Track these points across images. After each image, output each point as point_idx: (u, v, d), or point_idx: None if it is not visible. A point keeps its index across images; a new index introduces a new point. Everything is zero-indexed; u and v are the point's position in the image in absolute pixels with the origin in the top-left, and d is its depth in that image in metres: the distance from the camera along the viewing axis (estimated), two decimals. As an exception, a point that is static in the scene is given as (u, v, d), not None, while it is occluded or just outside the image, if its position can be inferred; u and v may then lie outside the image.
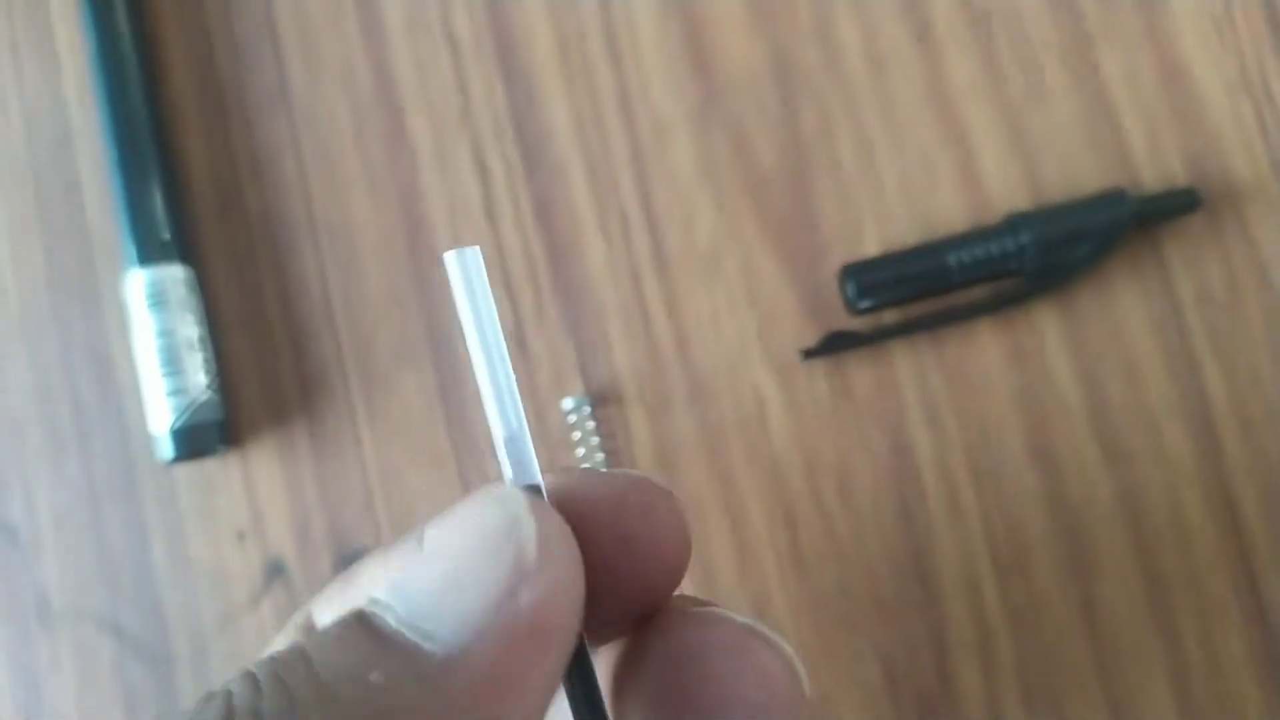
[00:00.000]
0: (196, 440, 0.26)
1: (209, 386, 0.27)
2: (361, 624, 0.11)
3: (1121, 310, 0.26)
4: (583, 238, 0.27)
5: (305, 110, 0.28)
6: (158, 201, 0.27)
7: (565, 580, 0.12)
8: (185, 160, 0.28)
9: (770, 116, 0.27)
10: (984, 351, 0.26)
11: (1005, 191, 0.27)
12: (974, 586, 0.26)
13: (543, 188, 0.28)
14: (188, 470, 0.28)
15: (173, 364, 0.26)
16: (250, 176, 0.28)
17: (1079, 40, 0.27)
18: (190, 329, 0.27)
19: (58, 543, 0.28)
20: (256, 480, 0.28)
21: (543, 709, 0.12)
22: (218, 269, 0.28)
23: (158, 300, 0.26)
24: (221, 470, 0.28)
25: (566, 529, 0.12)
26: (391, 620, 0.11)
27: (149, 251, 0.27)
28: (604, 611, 0.13)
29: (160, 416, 0.26)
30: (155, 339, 0.26)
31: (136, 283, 0.27)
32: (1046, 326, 0.26)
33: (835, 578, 0.26)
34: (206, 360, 0.27)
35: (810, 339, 0.26)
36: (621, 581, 0.14)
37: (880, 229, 0.27)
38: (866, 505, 0.26)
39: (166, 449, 0.26)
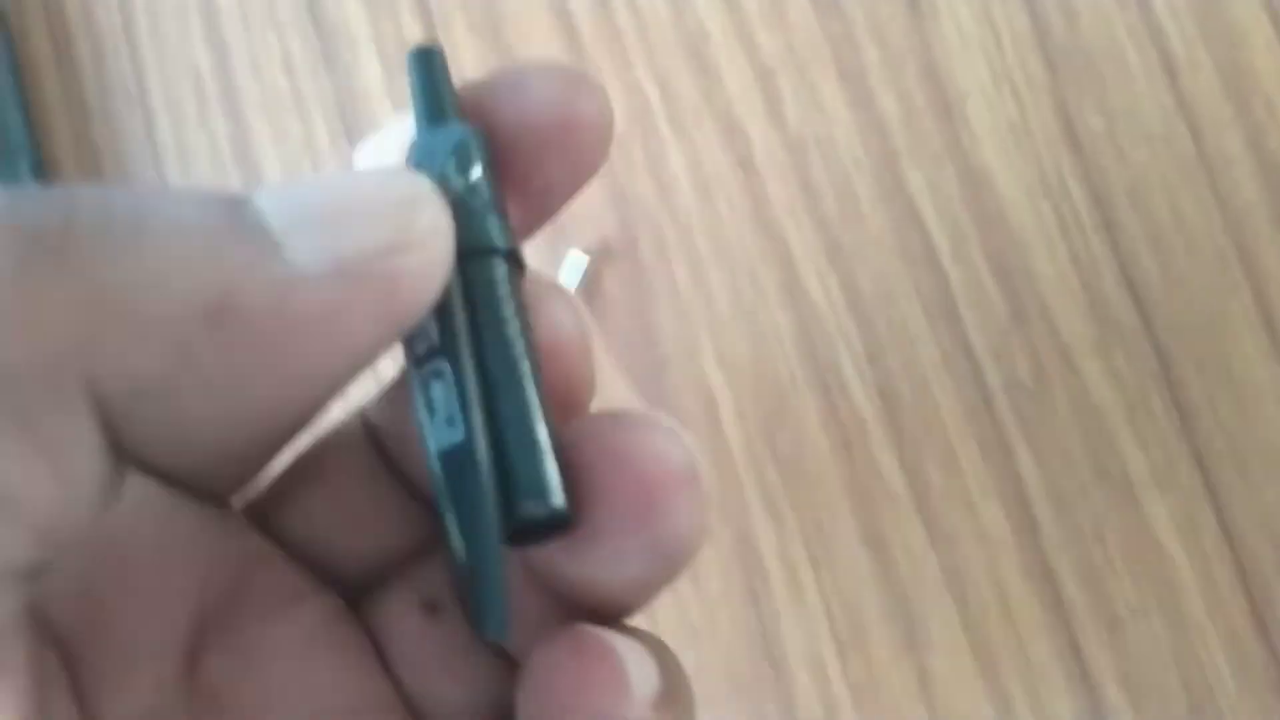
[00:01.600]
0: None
1: None
2: (232, 203, 0.11)
3: (938, 400, 0.29)
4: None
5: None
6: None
7: (432, 264, 0.12)
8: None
9: (612, 244, 0.30)
10: (816, 445, 0.29)
11: (827, 301, 0.30)
12: (817, 663, 0.29)
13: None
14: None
15: None
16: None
17: (887, 158, 0.30)
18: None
19: None
20: None
21: (360, 360, 0.12)
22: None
23: None
24: None
25: (450, 226, 0.12)
26: (265, 214, 0.11)
27: None
28: (527, 201, 0.14)
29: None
30: None
31: None
32: (869, 419, 0.29)
33: (691, 660, 0.29)
34: None
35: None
36: (537, 172, 0.13)
37: (715, 342, 0.30)
38: (717, 591, 0.29)
39: None
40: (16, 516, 0.10)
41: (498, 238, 0.13)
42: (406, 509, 0.14)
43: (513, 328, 0.13)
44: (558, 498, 0.12)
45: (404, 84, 0.31)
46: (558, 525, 0.12)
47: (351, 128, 0.32)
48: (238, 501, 0.14)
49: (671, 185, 0.31)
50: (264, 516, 0.14)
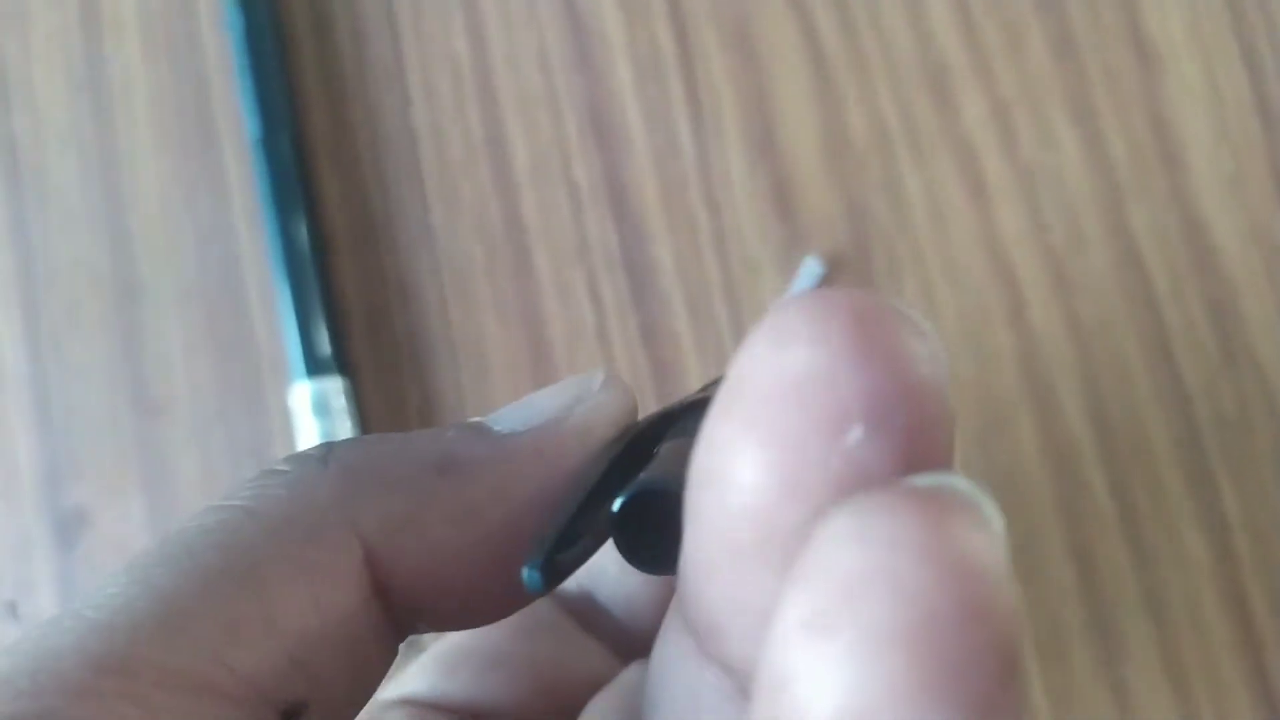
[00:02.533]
0: (352, 530, 0.31)
1: (362, 483, 0.32)
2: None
3: (1148, 429, 0.31)
4: (683, 359, 0.33)
5: (445, 244, 0.34)
6: (321, 322, 0.33)
7: (615, 407, 0.15)
8: (341, 286, 0.34)
9: (844, 258, 0.33)
10: (1029, 461, 0.31)
11: (1048, 329, 0.32)
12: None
13: (649, 314, 0.33)
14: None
15: (333, 464, 0.32)
16: (398, 301, 0.34)
17: (1112, 195, 0.32)
18: (347, 433, 0.32)
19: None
20: (398, 563, 0.33)
21: (558, 486, 0.14)
22: (368, 381, 0.34)
23: (321, 409, 0.32)
24: (368, 554, 0.33)
25: (625, 387, 0.15)
26: (486, 421, 0.15)
27: (314, 366, 0.32)
28: None
29: (323, 509, 0.32)
30: (318, 440, 0.32)
31: (302, 393, 0.32)
32: (1082, 441, 0.31)
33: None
34: (360, 460, 0.32)
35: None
36: None
37: (940, 357, 0.32)
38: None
39: (327, 537, 0.32)
40: (277, 638, 0.12)
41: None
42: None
43: None
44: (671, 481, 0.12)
45: (652, 90, 0.33)
46: (667, 509, 0.12)
47: (601, 127, 0.34)
48: None
49: (906, 205, 0.33)
50: None
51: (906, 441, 0.09)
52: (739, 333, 0.33)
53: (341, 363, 0.33)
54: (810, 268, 0.32)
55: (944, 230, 0.33)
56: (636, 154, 0.34)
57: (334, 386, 0.32)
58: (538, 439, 0.14)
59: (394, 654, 0.14)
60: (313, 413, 0.32)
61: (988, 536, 0.08)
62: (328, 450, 0.14)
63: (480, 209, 0.34)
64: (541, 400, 0.15)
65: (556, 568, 0.13)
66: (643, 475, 0.13)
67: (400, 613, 0.14)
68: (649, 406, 0.32)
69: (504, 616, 0.15)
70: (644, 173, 0.34)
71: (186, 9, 0.36)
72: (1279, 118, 0.32)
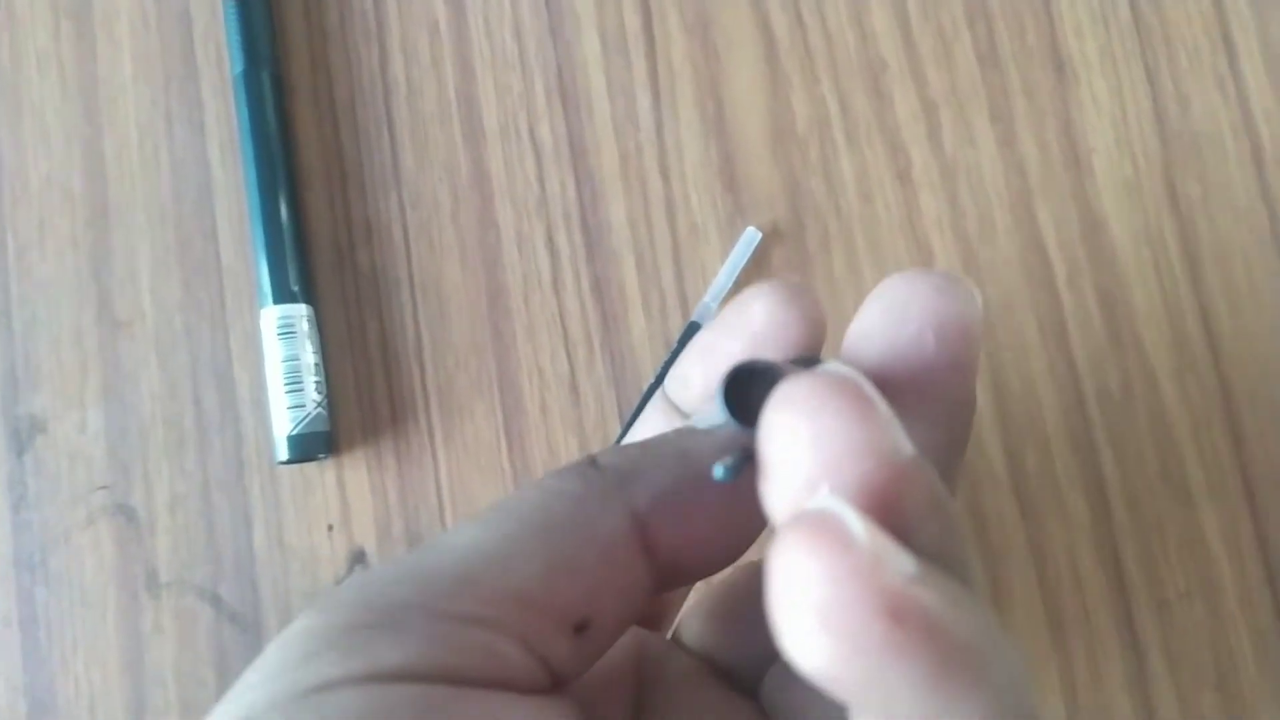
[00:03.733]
0: (308, 446, 0.34)
1: (320, 404, 0.34)
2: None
3: (1041, 398, 0.35)
4: (629, 312, 0.36)
5: (412, 190, 0.36)
6: (289, 253, 0.35)
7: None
8: (311, 220, 0.36)
9: (781, 230, 0.36)
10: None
11: (959, 303, 0.36)
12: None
13: (600, 268, 0.36)
14: (290, 471, 0.35)
15: (294, 384, 0.34)
16: (363, 239, 0.36)
17: (1022, 191, 0.36)
18: (309, 356, 0.34)
19: (170, 524, 0.35)
20: (348, 483, 0.35)
21: None
22: (332, 311, 0.36)
23: (287, 331, 0.34)
24: (319, 473, 0.35)
25: None
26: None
27: (281, 293, 0.34)
28: None
29: (281, 424, 0.34)
30: (281, 363, 0.34)
31: (270, 317, 0.34)
32: (981, 407, 0.35)
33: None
34: (319, 383, 0.34)
35: (804, 405, 0.35)
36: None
37: (863, 324, 0.36)
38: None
39: (283, 451, 0.34)
40: (578, 577, 0.17)
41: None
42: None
43: None
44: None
45: (617, 63, 0.36)
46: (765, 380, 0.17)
47: (567, 93, 0.37)
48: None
49: (839, 186, 0.36)
50: None
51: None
52: (681, 291, 0.36)
53: (307, 293, 0.35)
54: (750, 236, 0.36)
55: (871, 211, 0.36)
56: (598, 121, 0.37)
57: (299, 312, 0.35)
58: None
59: (652, 592, 0.18)
60: (278, 335, 0.34)
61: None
62: (592, 459, 0.18)
63: (449, 159, 0.37)
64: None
65: (737, 464, 0.17)
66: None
67: (661, 563, 0.18)
68: (596, 352, 0.35)
69: (736, 560, 0.19)
70: (604, 139, 0.37)
71: (175, -49, 0.38)
72: (1174, 133, 0.37)
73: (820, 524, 0.13)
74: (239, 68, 0.36)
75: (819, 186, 0.37)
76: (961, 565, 0.15)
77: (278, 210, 0.35)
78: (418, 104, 0.37)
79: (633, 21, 0.37)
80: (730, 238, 0.36)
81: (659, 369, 0.35)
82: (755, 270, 0.36)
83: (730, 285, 0.36)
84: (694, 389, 0.22)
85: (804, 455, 0.14)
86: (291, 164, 0.36)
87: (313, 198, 0.37)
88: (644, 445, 0.18)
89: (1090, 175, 0.37)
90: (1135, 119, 0.37)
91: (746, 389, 0.17)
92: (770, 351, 0.20)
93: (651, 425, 0.23)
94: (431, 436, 0.36)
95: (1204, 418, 0.35)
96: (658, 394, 0.23)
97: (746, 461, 0.17)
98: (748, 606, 0.21)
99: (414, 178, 0.37)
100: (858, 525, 0.13)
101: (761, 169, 0.37)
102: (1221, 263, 0.36)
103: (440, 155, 0.37)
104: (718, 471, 0.16)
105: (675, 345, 0.35)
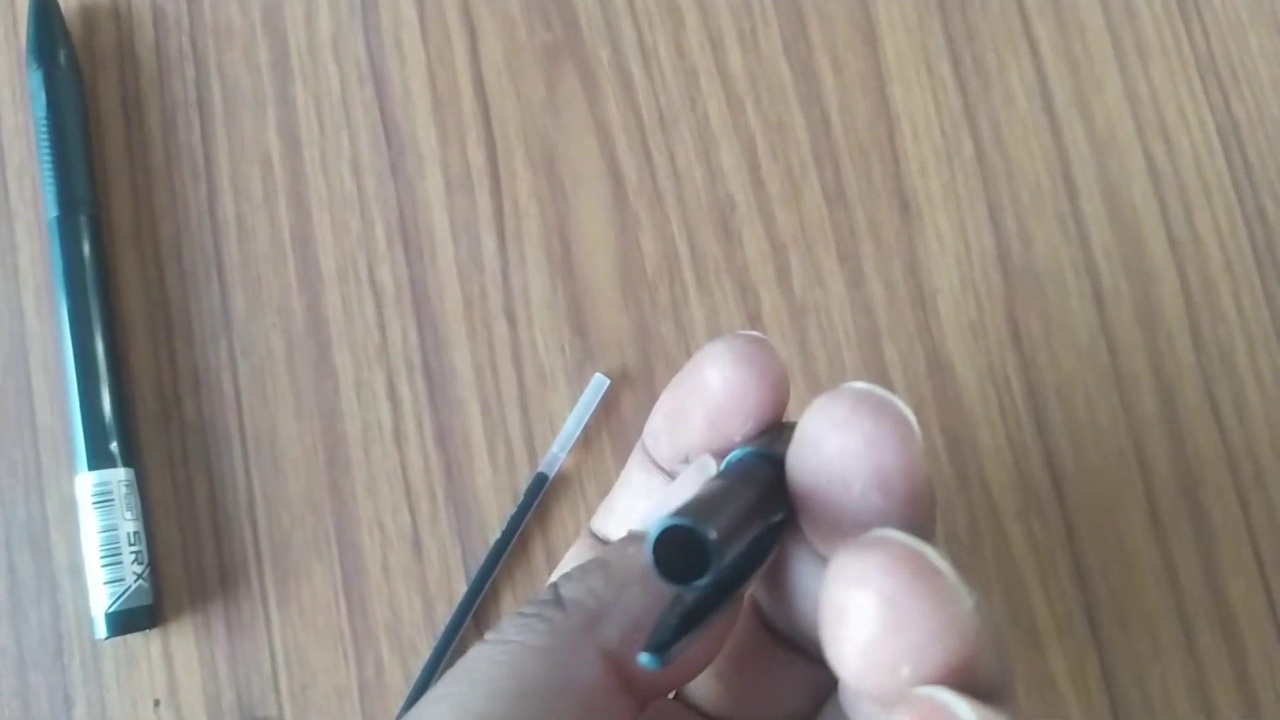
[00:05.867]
0: (128, 622, 0.33)
1: (140, 576, 0.33)
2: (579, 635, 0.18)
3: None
4: (475, 462, 0.36)
5: (244, 336, 0.36)
6: (107, 411, 0.34)
7: None
8: (133, 370, 0.35)
9: (630, 374, 0.36)
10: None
11: (810, 448, 0.37)
12: None
13: (444, 417, 0.36)
14: (113, 644, 0.34)
15: (111, 556, 0.33)
16: (190, 390, 0.35)
17: (870, 331, 0.38)
18: (129, 524, 0.33)
19: (-20, 704, 0.34)
20: (175, 654, 0.34)
21: None
22: (156, 469, 0.35)
23: (103, 500, 0.33)
24: (144, 644, 0.34)
25: None
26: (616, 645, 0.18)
27: (97, 457, 0.33)
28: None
29: (99, 600, 0.33)
30: (98, 534, 0.33)
31: (84, 484, 0.33)
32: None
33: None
34: (139, 552, 0.33)
35: (654, 559, 0.35)
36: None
37: (713, 472, 0.36)
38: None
39: (101, 629, 0.33)
40: None
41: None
42: (800, 674, 0.21)
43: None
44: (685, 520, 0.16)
45: (461, 202, 0.36)
46: (701, 549, 0.16)
47: (408, 233, 0.37)
48: None
49: (689, 327, 0.37)
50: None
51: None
52: (529, 439, 0.36)
53: (127, 454, 0.34)
54: (598, 383, 0.36)
55: (723, 354, 0.37)
56: (441, 263, 0.37)
57: (117, 478, 0.34)
58: None
59: (637, 713, 0.19)
60: (93, 504, 0.33)
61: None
62: (555, 595, 0.18)
63: (283, 303, 0.36)
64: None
65: (668, 652, 0.16)
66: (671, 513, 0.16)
67: (641, 690, 0.18)
68: (439, 505, 0.35)
69: (703, 669, 0.20)
70: (447, 281, 0.37)
71: (-14, 77, 0.37)
72: (1018, 272, 0.39)
73: (932, 713, 0.14)
74: (53, 212, 0.35)
75: (669, 330, 0.37)
76: (1012, 686, 0.17)
77: (94, 365, 0.34)
78: (249, 245, 0.36)
79: (477, 157, 0.38)
80: (579, 383, 0.36)
81: (505, 523, 0.35)
82: (604, 417, 0.36)
83: (579, 433, 0.36)
84: (664, 451, 0.22)
85: (888, 642, 0.15)
86: (110, 312, 0.35)
87: (135, 346, 0.36)
88: (606, 569, 0.18)
89: (935, 315, 0.38)
90: (979, 257, 0.39)
91: (677, 543, 0.16)
92: (732, 418, 0.20)
93: (634, 485, 0.23)
94: (265, 601, 0.35)
95: (1049, 558, 0.37)
96: (637, 448, 0.23)
97: (683, 632, 0.17)
98: (754, 664, 0.21)
99: (245, 323, 0.36)
100: (968, 714, 0.14)
101: (610, 312, 0.37)
102: (1064, 401, 0.38)
103: (274, 299, 0.36)
104: (643, 659, 0.16)
105: (522, 498, 0.35)
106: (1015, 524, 0.37)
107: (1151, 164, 0.40)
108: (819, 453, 0.18)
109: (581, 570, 0.19)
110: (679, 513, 0.16)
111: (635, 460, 0.23)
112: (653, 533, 0.16)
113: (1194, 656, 0.37)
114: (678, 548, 0.16)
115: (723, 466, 0.20)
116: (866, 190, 0.39)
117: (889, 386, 0.37)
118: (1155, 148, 0.40)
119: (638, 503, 0.23)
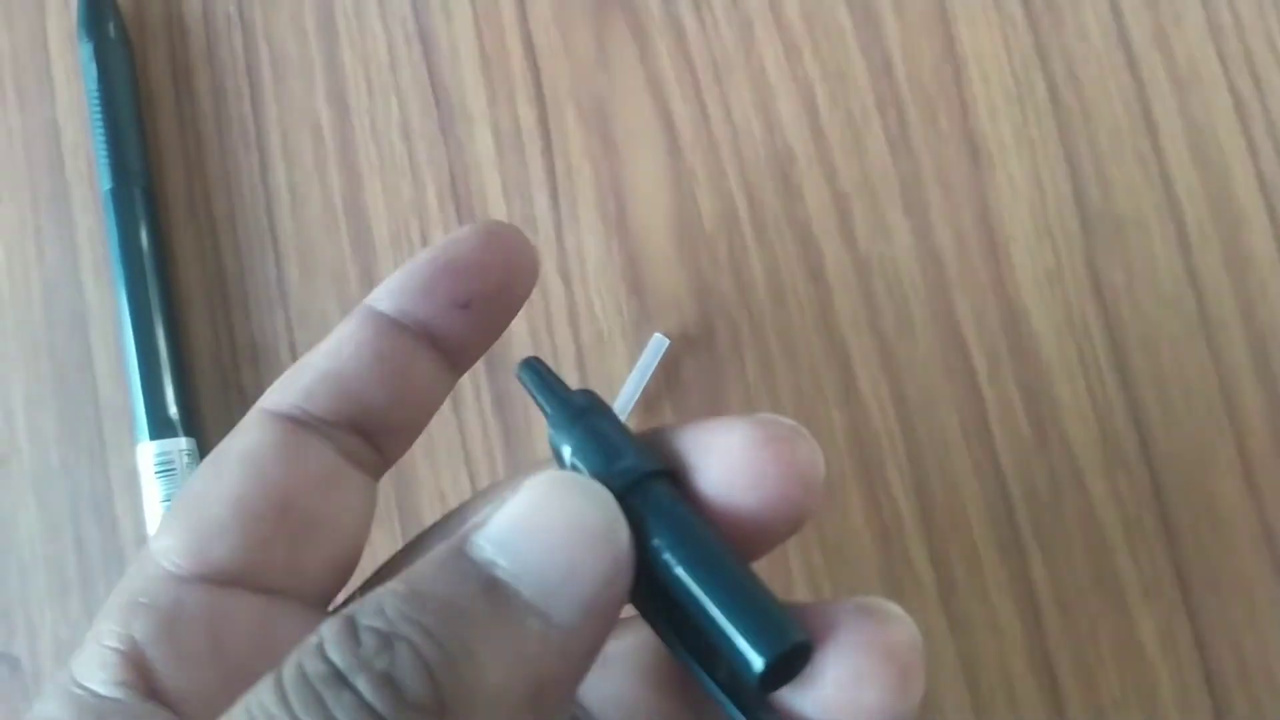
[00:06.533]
0: (193, 591, 0.33)
1: (205, 544, 0.34)
2: (492, 589, 0.15)
3: (965, 503, 0.35)
4: (533, 429, 0.35)
5: (299, 306, 0.36)
6: (167, 382, 0.34)
7: (630, 571, 0.17)
8: (192, 343, 0.36)
9: (690, 334, 0.36)
10: (858, 533, 0.35)
11: (878, 405, 0.36)
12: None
13: (502, 383, 0.36)
14: (178, 614, 0.34)
15: (176, 525, 0.33)
16: (248, 360, 0.36)
17: (939, 284, 0.36)
18: (192, 494, 0.34)
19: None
20: (239, 625, 0.34)
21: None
22: (216, 439, 0.35)
23: (165, 469, 0.34)
24: (209, 615, 0.34)
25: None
26: (522, 592, 0.15)
27: (158, 427, 0.34)
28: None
29: (163, 570, 0.33)
30: (161, 503, 0.33)
31: (147, 454, 0.34)
32: (905, 514, 0.35)
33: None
34: (204, 521, 0.34)
35: (718, 522, 0.35)
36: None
37: (777, 433, 0.35)
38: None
39: (166, 598, 0.33)
40: None
41: (648, 463, 0.18)
42: None
43: (689, 522, 0.17)
44: (798, 631, 0.17)
45: (512, 163, 0.36)
46: (800, 657, 0.17)
47: (460, 196, 0.37)
48: None
49: (750, 286, 0.36)
50: None
51: None
52: (588, 403, 0.36)
53: (188, 423, 0.35)
54: (657, 344, 0.35)
55: (784, 311, 0.36)
56: (494, 225, 0.36)
57: (178, 447, 0.34)
58: (595, 633, 0.17)
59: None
60: (155, 474, 0.34)
61: None
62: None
63: (337, 271, 0.36)
64: (580, 563, 0.16)
65: None
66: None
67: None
68: (499, 473, 0.35)
69: None
70: (501, 244, 0.36)
71: (39, 53, 0.37)
72: (1096, 217, 0.37)
73: None
74: (108, 185, 0.35)
75: (729, 287, 0.36)
76: None
77: (153, 336, 0.35)
78: (302, 213, 0.37)
79: (528, 116, 0.37)
80: (637, 344, 0.36)
81: (566, 488, 0.35)
82: (664, 378, 0.36)
83: (638, 395, 0.35)
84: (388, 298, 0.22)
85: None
86: (167, 284, 0.35)
87: (193, 318, 0.36)
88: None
89: (1009, 265, 0.37)
90: (1055, 204, 0.37)
91: None
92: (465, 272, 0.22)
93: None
94: (327, 570, 0.35)
95: (1135, 516, 0.35)
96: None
97: None
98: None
99: (300, 293, 0.36)
100: None
101: (668, 270, 0.36)
102: (1149, 352, 0.36)
103: (328, 267, 0.36)
104: None
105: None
106: (1099, 481, 0.36)
107: (1237, 99, 0.38)
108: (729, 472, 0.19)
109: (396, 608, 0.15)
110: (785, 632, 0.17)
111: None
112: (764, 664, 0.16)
113: (1294, 619, 0.35)
114: None
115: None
116: (933, 137, 0.37)
117: (960, 341, 0.36)
118: (1240, 82, 0.38)
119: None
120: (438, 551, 0.16)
